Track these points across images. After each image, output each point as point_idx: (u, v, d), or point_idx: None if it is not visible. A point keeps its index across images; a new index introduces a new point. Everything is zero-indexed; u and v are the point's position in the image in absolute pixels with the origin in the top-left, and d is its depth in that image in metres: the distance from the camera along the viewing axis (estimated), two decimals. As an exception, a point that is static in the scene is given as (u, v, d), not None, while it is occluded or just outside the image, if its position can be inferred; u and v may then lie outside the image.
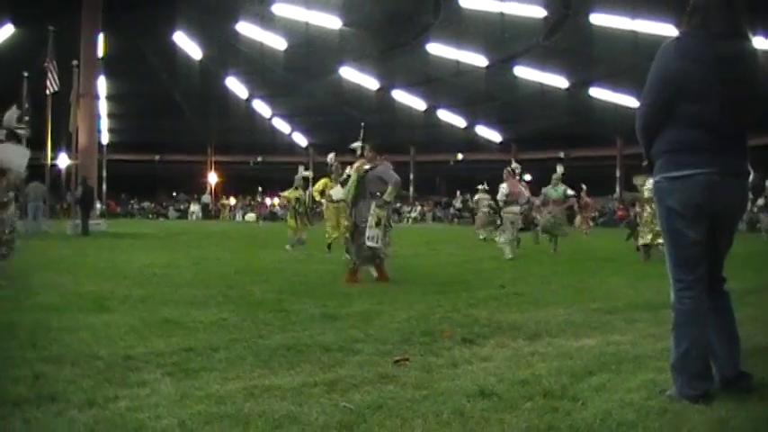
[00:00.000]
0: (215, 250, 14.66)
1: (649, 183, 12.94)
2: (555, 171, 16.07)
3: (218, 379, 3.70)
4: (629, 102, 32.93)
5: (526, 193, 13.99)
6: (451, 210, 44.59)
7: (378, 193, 8.60)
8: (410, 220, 44.91)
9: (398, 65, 40.73)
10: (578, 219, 24.50)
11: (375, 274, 8.88)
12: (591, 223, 24.47)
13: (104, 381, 3.63)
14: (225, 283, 8.38)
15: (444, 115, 46.61)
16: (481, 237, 19.78)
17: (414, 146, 49.90)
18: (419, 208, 47.07)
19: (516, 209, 13.38)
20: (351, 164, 9.55)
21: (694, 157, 3.28)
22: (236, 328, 5.23)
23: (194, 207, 48.18)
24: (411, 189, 51.26)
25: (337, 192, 14.32)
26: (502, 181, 13.59)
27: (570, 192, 16.44)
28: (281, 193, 16.49)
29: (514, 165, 14.03)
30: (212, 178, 52.44)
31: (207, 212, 47.83)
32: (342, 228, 11.49)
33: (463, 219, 41.67)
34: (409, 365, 4.04)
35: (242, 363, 4.09)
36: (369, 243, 8.51)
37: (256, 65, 42.93)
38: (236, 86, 47.52)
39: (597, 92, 37.95)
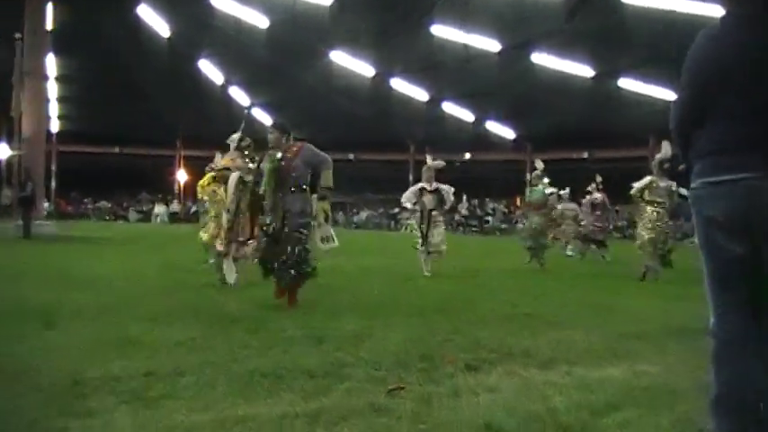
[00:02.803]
0: (182, 256, 14.58)
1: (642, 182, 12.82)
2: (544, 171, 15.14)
3: (183, 409, 3.70)
4: (665, 94, 33.01)
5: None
6: (456, 216, 44.64)
7: (303, 185, 7.91)
8: (409, 227, 44.86)
9: (398, 49, 40.77)
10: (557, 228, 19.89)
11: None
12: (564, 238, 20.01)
13: (49, 409, 3.61)
14: (194, 295, 8.36)
15: (450, 108, 46.67)
16: (569, 253, 19.09)
17: (414, 143, 49.94)
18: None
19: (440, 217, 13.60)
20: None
21: (738, 159, 3.27)
22: (205, 350, 5.23)
23: (159, 209, 48.12)
24: (410, 192, 51.18)
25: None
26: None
27: (550, 189, 15.29)
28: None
29: (436, 162, 13.80)
30: (181, 176, 51.99)
31: (175, 216, 47.58)
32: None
33: (469, 227, 41.73)
34: (405, 395, 4.05)
35: (212, 390, 4.09)
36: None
37: (234, 45, 42.93)
38: (209, 70, 47.52)
39: (627, 83, 37.99)
